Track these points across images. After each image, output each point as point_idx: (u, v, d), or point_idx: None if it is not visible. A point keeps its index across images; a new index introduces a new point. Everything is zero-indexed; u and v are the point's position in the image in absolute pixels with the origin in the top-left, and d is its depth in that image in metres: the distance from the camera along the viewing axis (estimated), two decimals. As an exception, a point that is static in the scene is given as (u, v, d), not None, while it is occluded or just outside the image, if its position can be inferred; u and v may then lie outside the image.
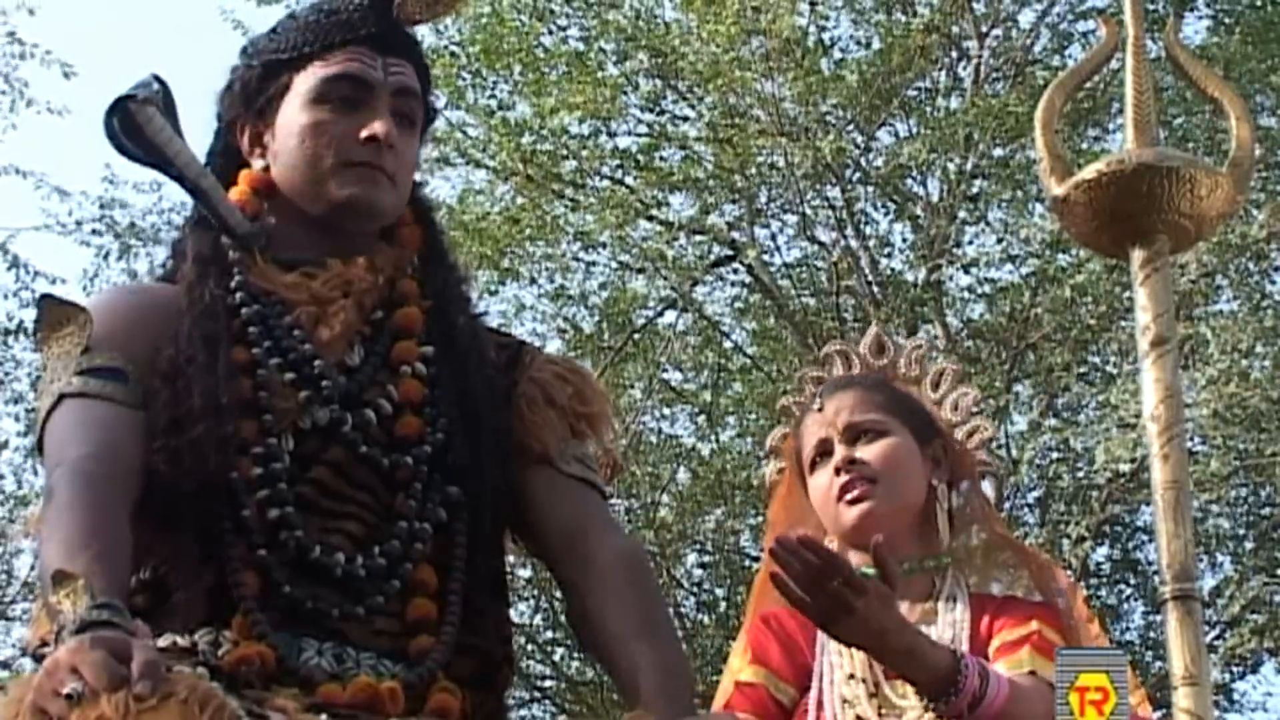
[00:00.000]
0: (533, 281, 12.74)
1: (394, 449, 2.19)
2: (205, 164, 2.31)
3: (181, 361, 2.15)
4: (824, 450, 2.82)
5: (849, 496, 2.77)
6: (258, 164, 2.31)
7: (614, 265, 12.72)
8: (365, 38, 2.30)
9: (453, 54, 12.11)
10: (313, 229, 2.28)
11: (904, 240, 12.58)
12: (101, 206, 12.76)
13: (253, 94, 2.31)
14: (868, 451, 2.79)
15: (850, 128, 12.11)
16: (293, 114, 2.28)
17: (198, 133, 2.38)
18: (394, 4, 2.33)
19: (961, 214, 12.09)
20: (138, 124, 2.23)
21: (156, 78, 2.27)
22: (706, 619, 13.07)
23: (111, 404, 2.12)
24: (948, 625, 2.72)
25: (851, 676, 2.73)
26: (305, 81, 2.28)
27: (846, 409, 2.82)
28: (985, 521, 2.90)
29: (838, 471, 2.78)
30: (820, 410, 2.84)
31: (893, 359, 2.97)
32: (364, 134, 2.25)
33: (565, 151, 12.15)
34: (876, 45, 12.15)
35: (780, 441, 2.99)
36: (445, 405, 2.23)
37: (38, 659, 1.82)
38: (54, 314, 2.19)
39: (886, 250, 12.57)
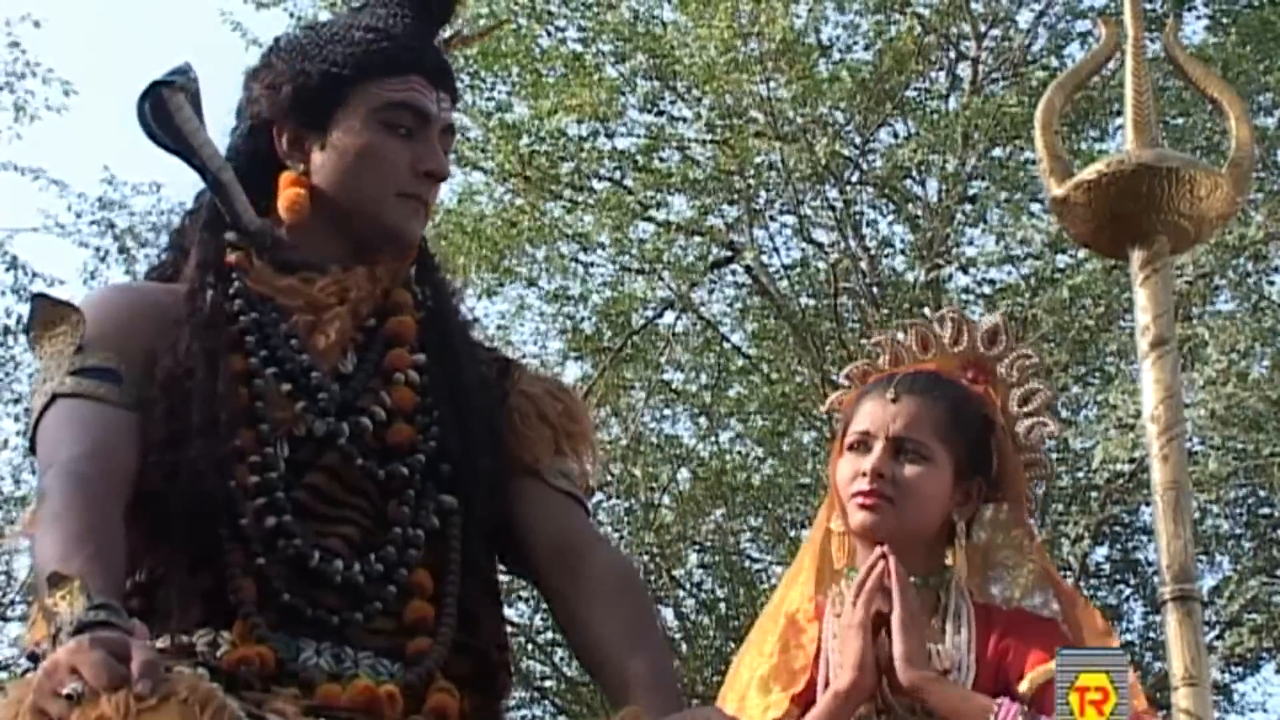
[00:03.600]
0: (532, 283, 12.75)
1: (387, 457, 2.19)
2: (228, 156, 2.30)
3: (180, 374, 2.14)
4: (863, 443, 2.82)
5: (861, 502, 2.78)
6: (296, 168, 2.30)
7: (613, 266, 12.73)
8: (425, 68, 2.32)
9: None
10: (335, 239, 2.28)
11: (903, 241, 12.59)
12: (101, 207, 12.76)
13: (306, 101, 2.29)
14: (900, 470, 2.78)
15: (848, 129, 12.11)
16: (351, 132, 2.28)
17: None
18: (440, 35, 2.38)
19: (960, 214, 12.09)
20: (169, 111, 2.24)
21: (190, 66, 2.27)
22: (706, 619, 13.08)
23: (104, 404, 2.11)
24: (954, 646, 2.72)
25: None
26: (367, 101, 2.28)
27: (903, 418, 2.81)
28: (1024, 541, 2.91)
29: (864, 475, 2.79)
30: (893, 400, 2.83)
31: (999, 354, 2.96)
32: (425, 168, 2.28)
33: (563, 153, 12.14)
34: (874, 46, 12.15)
35: (856, 371, 2.99)
36: (438, 413, 2.24)
37: (35, 661, 1.82)
38: (47, 313, 2.19)
39: (885, 251, 12.58)
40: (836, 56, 12.26)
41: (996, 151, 11.97)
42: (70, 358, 2.14)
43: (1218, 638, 11.27)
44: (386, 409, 2.21)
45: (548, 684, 12.99)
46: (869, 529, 2.77)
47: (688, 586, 13.15)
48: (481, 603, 2.22)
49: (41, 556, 1.96)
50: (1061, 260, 11.38)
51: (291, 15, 12.15)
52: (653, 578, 12.33)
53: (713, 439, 12.93)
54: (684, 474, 12.90)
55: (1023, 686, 2.66)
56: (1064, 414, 12.03)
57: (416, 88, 2.30)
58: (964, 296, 12.32)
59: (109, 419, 2.10)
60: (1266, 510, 12.40)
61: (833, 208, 12.17)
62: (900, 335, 3.01)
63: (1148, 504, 8.93)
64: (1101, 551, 12.94)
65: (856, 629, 2.65)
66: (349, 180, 2.27)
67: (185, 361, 2.15)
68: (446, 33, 2.44)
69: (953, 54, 12.50)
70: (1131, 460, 9.96)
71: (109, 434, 2.09)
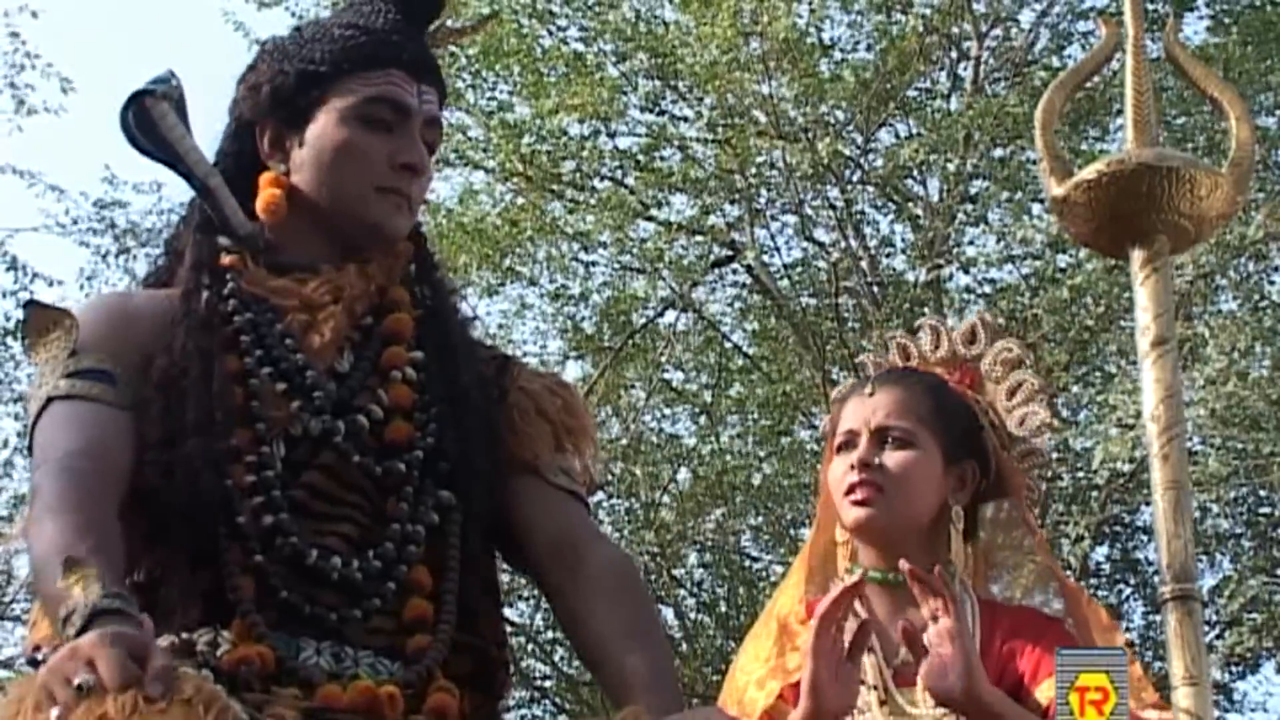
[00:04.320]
0: (533, 282, 12.76)
1: (385, 454, 2.19)
2: (214, 160, 2.31)
3: (175, 373, 2.15)
4: (849, 441, 2.82)
5: (853, 497, 2.78)
6: (277, 168, 2.30)
7: (614, 266, 12.73)
8: (404, 62, 2.30)
9: (452, 55, 12.10)
10: (320, 238, 2.28)
11: (903, 240, 12.60)
12: (101, 208, 12.77)
13: (284, 100, 2.29)
14: (887, 458, 2.79)
15: (850, 128, 12.12)
16: (328, 128, 2.28)
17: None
18: (425, 30, 2.36)
19: (961, 214, 12.09)
20: (152, 119, 2.24)
21: (173, 74, 2.27)
22: (707, 619, 13.08)
23: (99, 404, 2.12)
24: None
25: (861, 683, 2.71)
26: (343, 98, 2.28)
27: (884, 408, 2.81)
28: (1024, 540, 2.90)
29: (852, 468, 2.79)
30: (870, 395, 2.84)
31: (980, 352, 2.96)
32: (401, 161, 2.27)
33: (565, 152, 12.14)
34: (876, 46, 12.15)
35: (844, 391, 2.99)
36: (435, 410, 2.24)
37: (35, 666, 1.81)
38: (40, 319, 2.19)
39: (886, 250, 12.59)
40: (838, 56, 12.27)
41: (997, 151, 11.98)
42: (64, 361, 2.14)
43: (1218, 637, 11.28)
44: (384, 406, 2.21)
45: (548, 684, 12.99)
46: (863, 523, 2.77)
47: (688, 586, 13.15)
48: (481, 600, 2.22)
49: (40, 548, 1.96)
50: (1062, 260, 11.39)
51: (293, 15, 12.16)
52: (653, 577, 12.33)
53: (713, 439, 12.93)
54: (684, 474, 12.91)
55: (1040, 696, 2.65)
56: (1064, 414, 12.04)
57: (395, 81, 2.29)
58: (964, 296, 12.33)
59: (104, 418, 2.11)
60: (1266, 510, 12.41)
61: (834, 207, 12.18)
62: (885, 349, 3.03)
63: (1148, 504, 8.93)
64: (1101, 551, 12.94)
65: (807, 654, 2.60)
66: (328, 176, 2.27)
67: (180, 361, 2.15)
68: (434, 28, 2.42)
69: (954, 54, 12.51)
70: (1131, 460, 9.96)
71: (104, 432, 2.09)
